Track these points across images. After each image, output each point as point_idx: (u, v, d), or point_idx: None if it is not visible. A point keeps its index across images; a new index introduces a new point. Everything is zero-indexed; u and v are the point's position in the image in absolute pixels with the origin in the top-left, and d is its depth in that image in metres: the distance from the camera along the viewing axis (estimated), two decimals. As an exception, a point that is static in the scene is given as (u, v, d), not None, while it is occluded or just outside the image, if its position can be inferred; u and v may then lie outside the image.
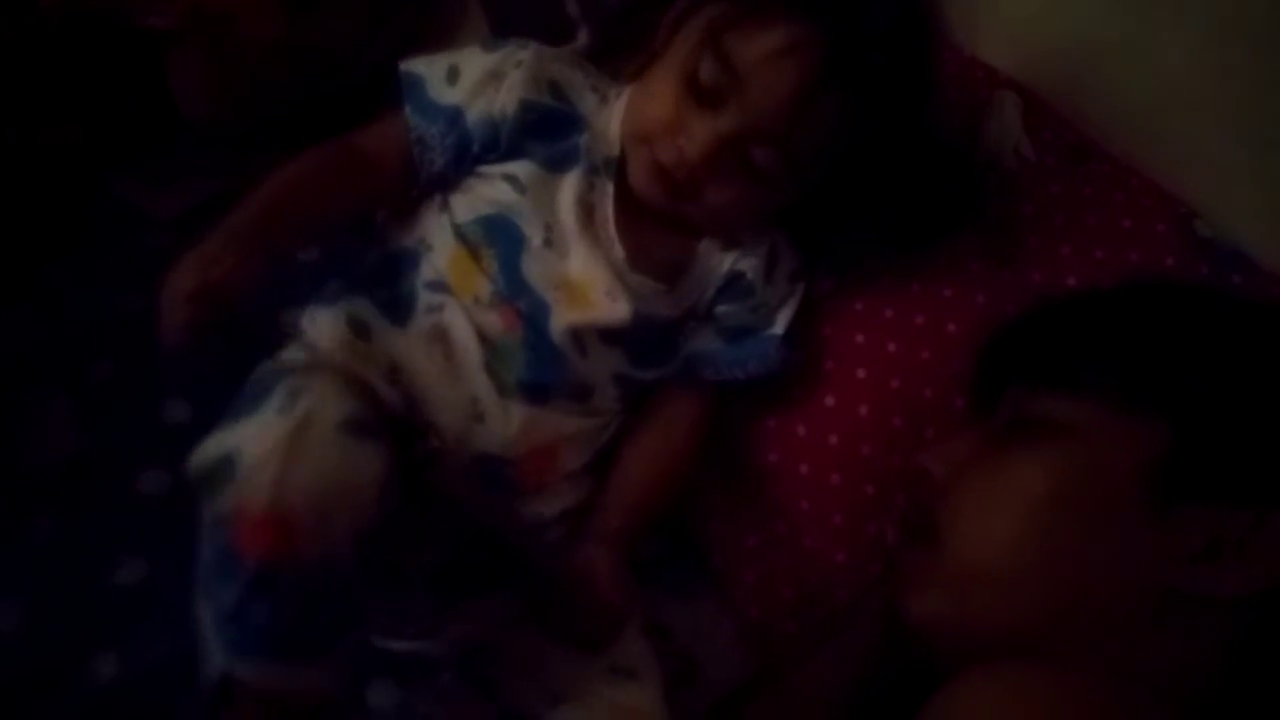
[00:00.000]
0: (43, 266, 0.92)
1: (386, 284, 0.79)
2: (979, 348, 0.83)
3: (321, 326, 0.76)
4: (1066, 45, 0.98)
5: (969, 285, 0.91)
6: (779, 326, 0.87)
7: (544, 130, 0.80)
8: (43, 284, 0.91)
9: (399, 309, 0.77)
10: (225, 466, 0.60)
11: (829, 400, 0.89)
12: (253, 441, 0.60)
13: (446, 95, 0.80)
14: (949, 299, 0.90)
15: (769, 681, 0.82)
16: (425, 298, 0.77)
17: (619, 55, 0.90)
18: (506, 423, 0.74)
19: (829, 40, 0.74)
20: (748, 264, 0.85)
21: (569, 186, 0.79)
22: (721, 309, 0.86)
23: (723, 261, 0.85)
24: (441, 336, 0.75)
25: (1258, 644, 0.61)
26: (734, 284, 0.85)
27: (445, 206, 0.81)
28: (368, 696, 0.80)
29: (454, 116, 0.79)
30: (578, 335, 0.77)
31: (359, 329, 0.75)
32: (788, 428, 0.89)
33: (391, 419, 0.68)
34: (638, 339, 0.81)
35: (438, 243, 0.79)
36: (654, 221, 0.81)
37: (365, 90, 0.86)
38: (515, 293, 0.77)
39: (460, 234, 0.79)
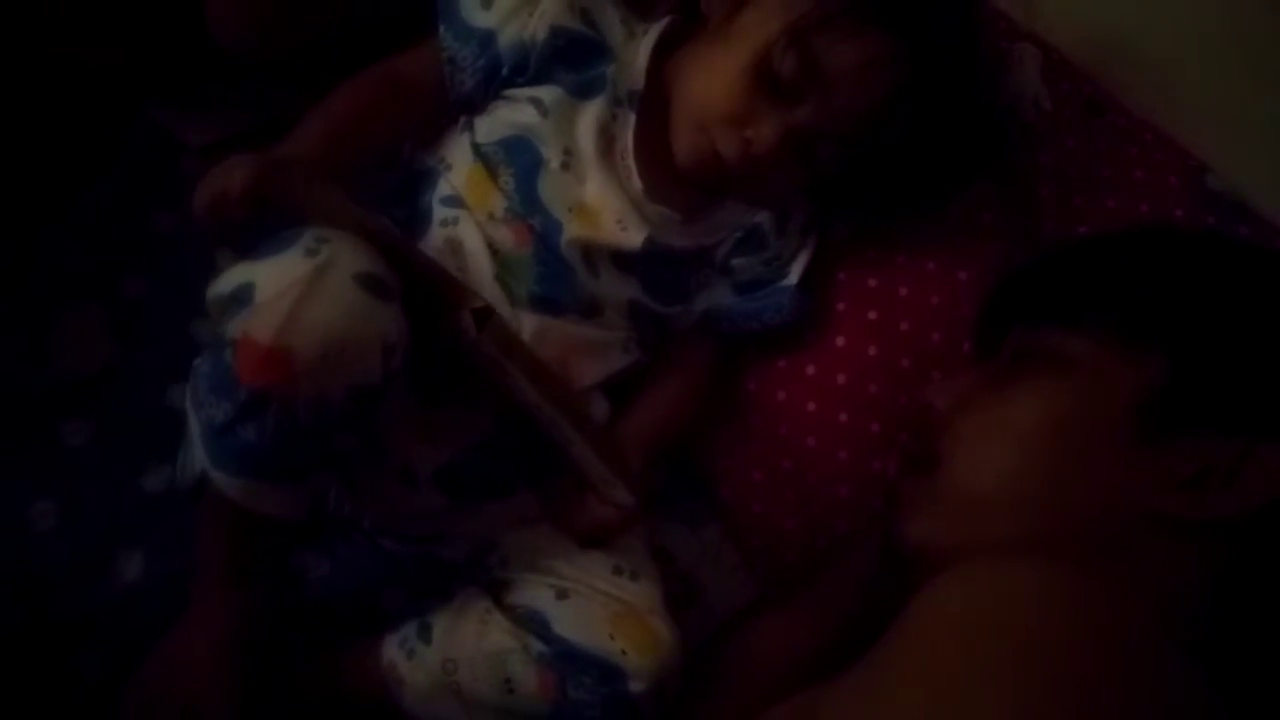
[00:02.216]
0: (80, 186, 0.94)
1: (404, 202, 0.81)
2: (988, 293, 0.85)
3: None
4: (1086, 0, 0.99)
5: (981, 233, 0.93)
6: (793, 277, 0.88)
7: (572, 57, 0.81)
8: (80, 202, 0.93)
9: (414, 224, 0.80)
10: (242, 294, 0.63)
11: (839, 341, 0.90)
12: (273, 276, 0.63)
13: (480, 18, 0.81)
14: (961, 246, 0.92)
15: (770, 605, 0.85)
16: (440, 212, 0.79)
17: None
18: (518, 331, 0.76)
19: (912, 54, 0.76)
20: (763, 216, 0.86)
21: (591, 113, 0.81)
22: (736, 261, 0.88)
23: (744, 211, 0.87)
24: (455, 249, 0.77)
25: (1244, 568, 0.63)
26: (749, 237, 0.87)
27: (468, 127, 0.82)
28: (381, 602, 0.84)
29: (486, 39, 0.81)
30: (588, 253, 0.79)
31: None
32: (797, 367, 0.91)
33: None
34: (652, 270, 0.83)
35: (457, 161, 0.81)
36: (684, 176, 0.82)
37: (402, 20, 0.88)
38: (529, 210, 0.78)
39: (480, 153, 0.80)
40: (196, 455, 0.67)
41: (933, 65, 0.77)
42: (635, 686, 0.71)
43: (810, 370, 0.91)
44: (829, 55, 0.75)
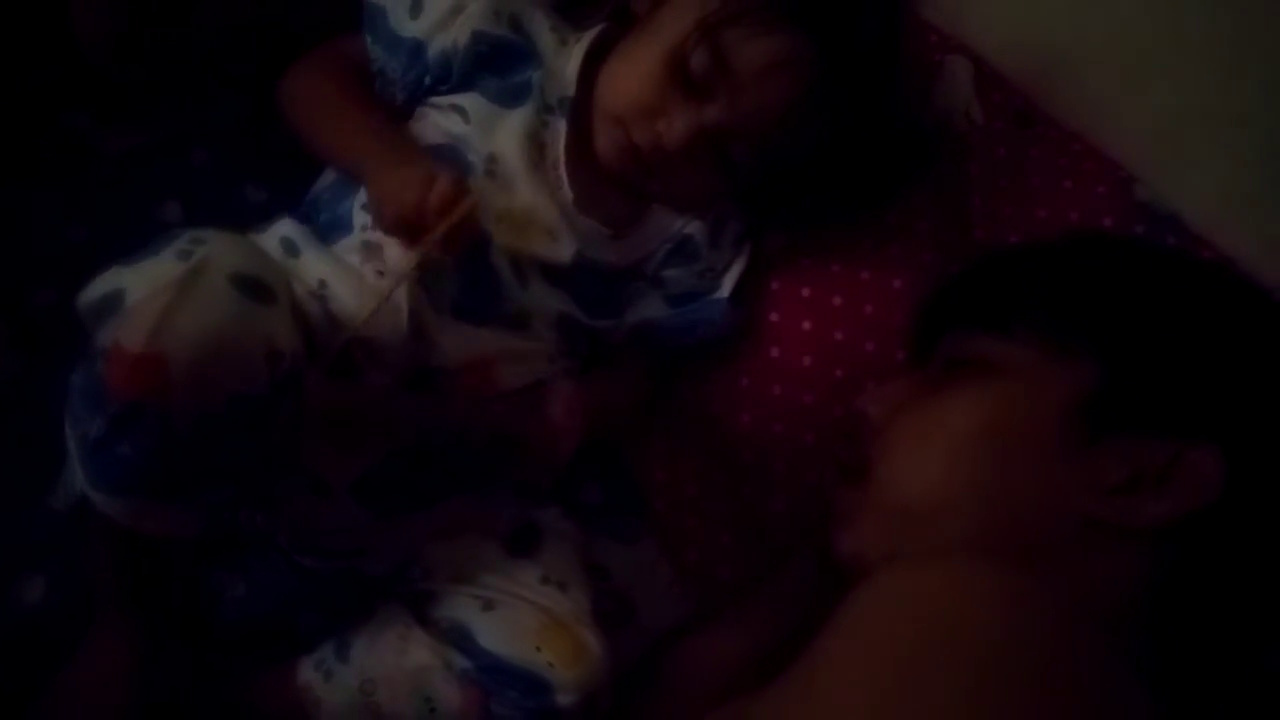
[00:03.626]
0: (-9, 194, 0.91)
1: (325, 208, 0.79)
2: (922, 301, 0.84)
3: None
4: (1016, 13, 1.00)
5: (915, 243, 0.92)
6: (725, 289, 0.88)
7: (496, 63, 0.80)
8: (-12, 211, 0.90)
9: (333, 230, 0.77)
10: (112, 301, 0.60)
11: (773, 351, 0.89)
12: (143, 280, 0.60)
13: (408, 27, 0.79)
14: (895, 256, 0.92)
15: (705, 622, 0.83)
16: (360, 217, 0.77)
17: (584, 4, 0.91)
18: (440, 337, 0.74)
19: (823, 55, 0.75)
20: (695, 228, 0.86)
21: (516, 121, 0.79)
22: (668, 273, 0.87)
23: (673, 222, 0.86)
24: (375, 254, 0.75)
25: (1178, 567, 0.62)
26: (681, 248, 0.86)
27: None
28: (298, 624, 0.81)
29: (415, 50, 0.79)
30: (517, 263, 0.77)
31: (289, 248, 0.75)
32: (732, 379, 0.90)
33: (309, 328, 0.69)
34: (582, 284, 0.81)
35: None
36: (608, 173, 0.82)
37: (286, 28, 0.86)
38: None
39: None
40: (76, 479, 0.64)
41: (847, 70, 0.77)
42: (562, 699, 0.69)
43: (745, 382, 0.90)
44: (739, 52, 0.75)
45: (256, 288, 0.61)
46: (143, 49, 0.89)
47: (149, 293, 0.59)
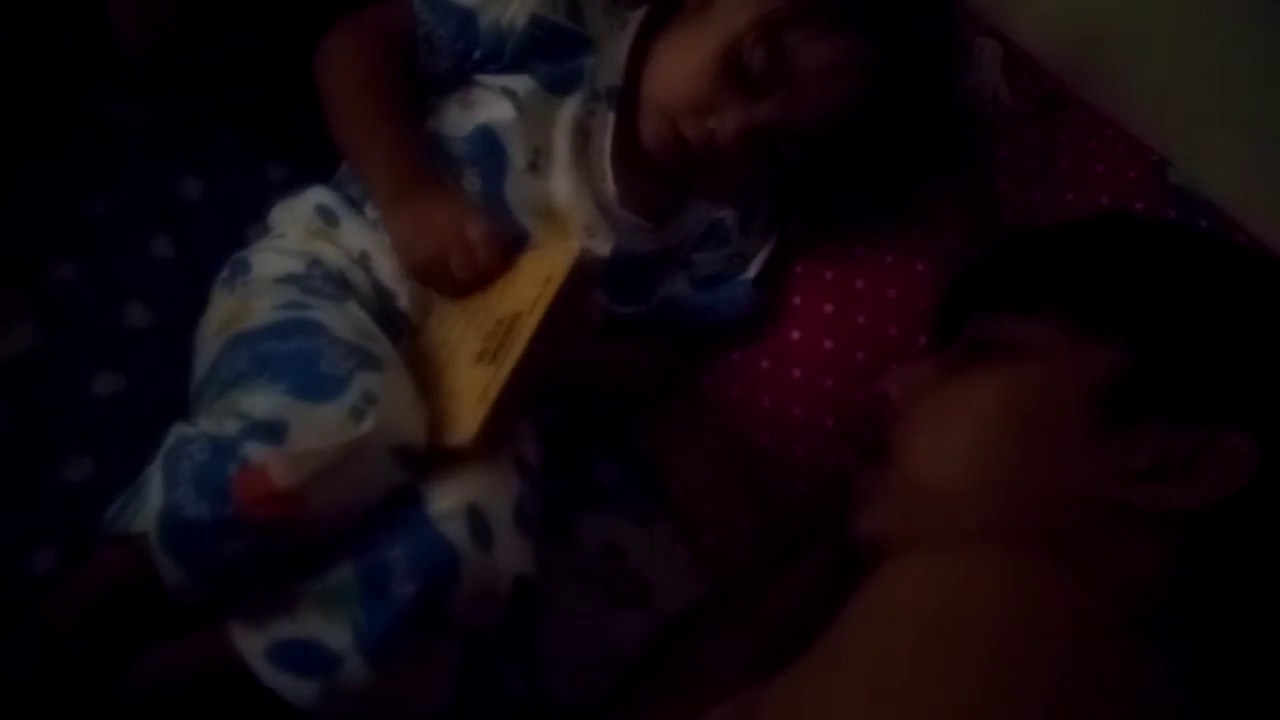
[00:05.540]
0: (15, 167, 0.91)
1: (351, 185, 0.78)
2: (946, 285, 0.83)
3: (291, 215, 0.77)
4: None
5: (939, 227, 0.91)
6: (751, 272, 0.87)
7: (551, 48, 0.78)
8: (13, 183, 0.90)
9: (363, 202, 0.77)
10: (273, 429, 0.59)
11: (794, 334, 0.88)
12: (312, 427, 0.59)
13: None
14: (919, 239, 0.91)
15: (718, 606, 0.82)
16: (374, 212, 0.76)
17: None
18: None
19: (884, 61, 0.74)
20: (727, 213, 0.85)
21: (568, 111, 0.78)
22: (698, 256, 0.86)
23: (709, 209, 0.85)
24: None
25: (1208, 557, 0.60)
26: (712, 232, 0.85)
27: (433, 116, 0.79)
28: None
29: (467, 20, 0.77)
30: None
31: (328, 216, 0.75)
32: (752, 361, 0.89)
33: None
34: (615, 273, 0.81)
35: None
36: (652, 165, 0.81)
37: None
38: (493, 214, 0.75)
39: (444, 148, 0.77)
40: (144, 517, 0.61)
41: (905, 75, 0.76)
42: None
43: (765, 365, 0.89)
44: (798, 53, 0.74)
45: (409, 456, 0.62)
46: (181, 41, 0.89)
47: (315, 444, 0.58)
